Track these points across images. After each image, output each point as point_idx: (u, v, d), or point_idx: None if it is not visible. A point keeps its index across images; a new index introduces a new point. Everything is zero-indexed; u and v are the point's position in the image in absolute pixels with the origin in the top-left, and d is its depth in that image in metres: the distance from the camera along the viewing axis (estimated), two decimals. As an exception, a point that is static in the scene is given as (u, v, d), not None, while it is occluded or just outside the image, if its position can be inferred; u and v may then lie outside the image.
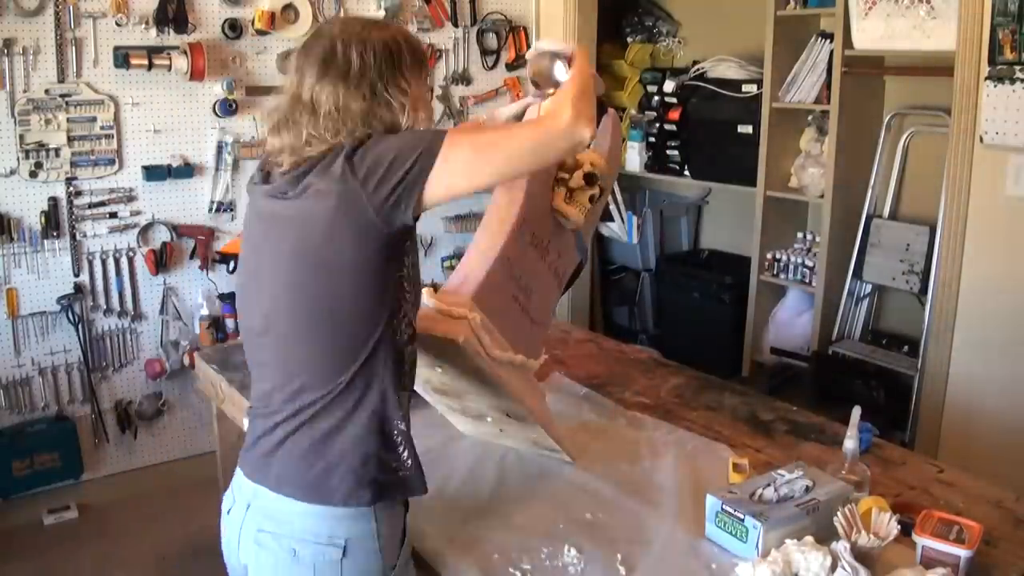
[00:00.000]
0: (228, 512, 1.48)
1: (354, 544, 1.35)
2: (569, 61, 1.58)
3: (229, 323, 3.44)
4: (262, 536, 1.39)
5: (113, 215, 3.21)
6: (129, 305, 3.31)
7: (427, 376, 1.72)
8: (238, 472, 1.47)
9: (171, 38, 3.17)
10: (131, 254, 3.28)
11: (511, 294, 1.75)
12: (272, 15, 3.34)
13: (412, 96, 1.40)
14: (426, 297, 1.56)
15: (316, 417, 1.36)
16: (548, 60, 1.61)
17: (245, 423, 1.51)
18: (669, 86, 4.19)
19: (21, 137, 3.00)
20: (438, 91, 3.85)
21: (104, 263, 3.23)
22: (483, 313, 1.62)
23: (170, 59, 3.14)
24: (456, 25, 3.83)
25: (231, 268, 3.45)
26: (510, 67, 4.02)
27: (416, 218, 1.35)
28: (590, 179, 1.81)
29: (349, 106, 1.35)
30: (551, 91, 1.59)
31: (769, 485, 1.52)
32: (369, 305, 1.35)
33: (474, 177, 1.36)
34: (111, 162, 3.18)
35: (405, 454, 1.40)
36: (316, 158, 1.35)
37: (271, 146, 1.41)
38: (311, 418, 1.36)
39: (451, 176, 1.32)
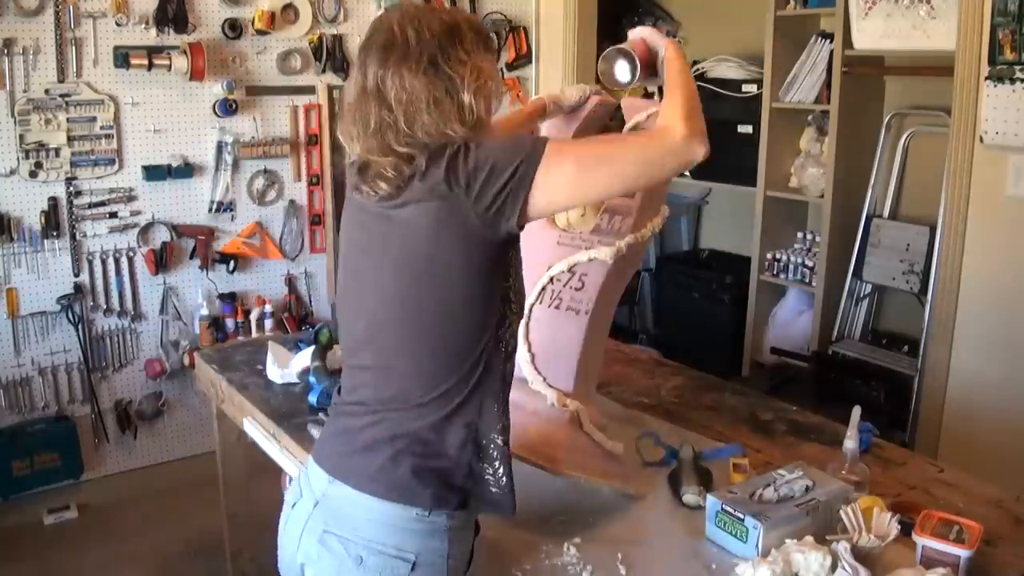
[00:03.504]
0: (293, 506, 1.43)
1: (423, 560, 1.31)
2: (644, 62, 1.51)
3: (229, 323, 3.45)
4: (328, 538, 1.34)
5: (113, 215, 3.21)
6: (129, 305, 3.31)
7: None
8: (311, 465, 1.42)
9: (171, 38, 3.17)
10: (131, 254, 3.27)
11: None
12: (272, 15, 3.34)
13: (476, 67, 1.33)
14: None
15: (413, 422, 1.33)
16: (612, 59, 1.54)
17: (330, 406, 1.50)
18: (669, 86, 4.19)
19: (21, 137, 3.00)
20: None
21: (104, 263, 3.23)
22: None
23: (170, 59, 3.14)
24: (456, 25, 3.82)
25: (231, 268, 3.45)
26: (510, 67, 4.02)
27: (521, 226, 1.31)
28: None
29: (414, 86, 1.30)
30: (620, 90, 1.57)
31: (769, 485, 1.52)
32: (476, 316, 1.32)
33: (576, 193, 1.33)
34: (111, 162, 3.18)
35: (501, 470, 1.36)
36: (413, 164, 1.30)
37: (355, 151, 1.36)
38: (408, 422, 1.33)
39: (553, 190, 1.28)
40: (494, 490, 1.37)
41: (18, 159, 3.02)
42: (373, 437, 1.34)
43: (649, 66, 1.54)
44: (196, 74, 3.18)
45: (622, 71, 1.52)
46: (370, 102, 1.32)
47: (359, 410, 1.38)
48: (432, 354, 1.33)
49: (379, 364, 1.37)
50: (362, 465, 1.34)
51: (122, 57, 3.09)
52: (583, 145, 1.40)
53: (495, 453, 1.36)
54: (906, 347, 3.40)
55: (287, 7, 3.40)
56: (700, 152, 1.33)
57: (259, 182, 3.49)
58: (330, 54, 3.54)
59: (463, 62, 1.32)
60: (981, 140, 2.71)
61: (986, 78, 2.66)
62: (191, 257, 3.38)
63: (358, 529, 1.32)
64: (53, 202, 3.10)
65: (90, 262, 3.21)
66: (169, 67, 3.15)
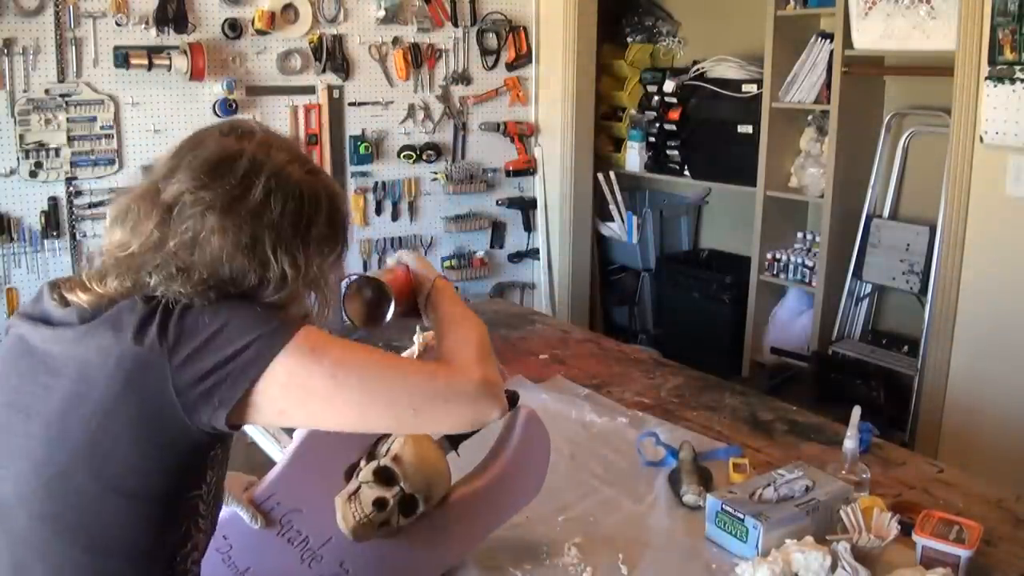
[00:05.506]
0: None
1: None
2: (401, 296, 1.21)
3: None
4: None
5: (113, 215, 3.21)
6: (129, 305, 3.31)
7: None
8: None
9: (171, 38, 3.18)
10: (131, 254, 3.27)
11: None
12: (272, 15, 3.35)
13: (306, 273, 1.02)
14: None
15: None
16: (361, 290, 1.25)
17: None
18: (669, 86, 4.19)
19: (21, 137, 3.00)
20: (438, 91, 3.85)
21: (104, 263, 3.23)
22: None
23: (170, 59, 3.14)
24: (456, 25, 3.83)
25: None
26: (510, 67, 4.02)
27: (234, 427, 0.97)
28: (383, 476, 1.27)
29: (210, 240, 0.97)
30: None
31: (769, 485, 1.52)
32: (141, 534, 0.97)
33: (318, 409, 0.98)
34: (111, 162, 3.18)
35: None
36: (124, 292, 0.98)
37: (107, 239, 1.03)
38: None
39: (287, 394, 0.95)
40: None
41: (18, 159, 3.02)
42: None
43: (407, 302, 1.26)
44: (196, 74, 3.18)
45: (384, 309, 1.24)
46: (154, 214, 0.99)
47: None
48: (75, 568, 0.97)
49: (11, 562, 0.99)
50: None
51: (122, 57, 3.09)
52: (354, 346, 1.02)
53: None
54: (906, 347, 3.40)
55: (287, 7, 3.40)
56: (494, 411, 1.04)
57: (259, 182, 3.49)
58: (330, 54, 3.54)
59: (295, 262, 1.02)
60: (981, 140, 2.71)
61: (986, 78, 2.66)
62: (191, 257, 3.38)
63: None
64: (53, 202, 3.10)
65: (90, 262, 3.21)
66: (169, 67, 3.15)
